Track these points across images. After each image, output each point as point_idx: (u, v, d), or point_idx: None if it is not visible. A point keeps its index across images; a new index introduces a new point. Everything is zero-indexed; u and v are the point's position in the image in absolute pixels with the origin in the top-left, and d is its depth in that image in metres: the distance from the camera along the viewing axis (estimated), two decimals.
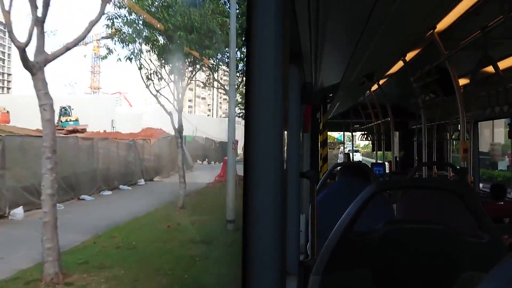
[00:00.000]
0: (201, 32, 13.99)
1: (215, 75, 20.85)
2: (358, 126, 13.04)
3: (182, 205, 13.54)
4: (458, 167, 5.19)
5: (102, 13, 8.94)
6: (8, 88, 76.37)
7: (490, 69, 4.48)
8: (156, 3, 14.07)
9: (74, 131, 31.51)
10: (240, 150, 41.63)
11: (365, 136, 13.86)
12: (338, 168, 3.76)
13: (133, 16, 13.76)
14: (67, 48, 8.21)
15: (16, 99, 42.37)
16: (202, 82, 22.43)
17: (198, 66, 16.06)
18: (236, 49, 18.06)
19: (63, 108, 35.88)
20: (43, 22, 7.14)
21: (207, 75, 20.71)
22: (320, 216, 2.42)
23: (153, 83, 14.26)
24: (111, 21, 13.43)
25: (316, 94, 4.27)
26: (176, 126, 14.15)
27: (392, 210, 2.81)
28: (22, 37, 7.54)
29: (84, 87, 75.20)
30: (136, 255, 8.97)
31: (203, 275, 8.34)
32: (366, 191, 1.63)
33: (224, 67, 19.27)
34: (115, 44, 13.88)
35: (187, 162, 22.62)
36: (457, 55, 4.53)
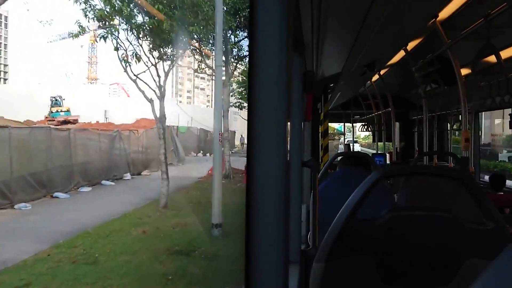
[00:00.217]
0: (184, 7, 12.58)
1: (208, 61, 19.71)
2: (358, 117, 13.03)
3: (164, 205, 11.96)
4: (459, 157, 5.19)
5: None
6: (5, 79, 76.16)
7: (492, 58, 4.46)
8: None
9: (66, 122, 30.79)
10: (237, 142, 40.79)
11: (366, 127, 13.85)
12: (339, 158, 3.76)
13: None
14: None
15: (10, 91, 42.18)
16: (193, 69, 21.20)
17: (183, 47, 14.61)
18: (230, 32, 17.07)
19: (54, 98, 35.27)
20: None
21: (199, 61, 19.39)
22: (321, 205, 2.42)
23: (130, 66, 12.39)
24: None
25: (317, 83, 4.25)
26: (158, 115, 12.44)
27: (393, 199, 2.81)
28: None
29: (82, 77, 74.85)
30: (93, 273, 7.25)
31: None
32: (370, 178, 1.63)
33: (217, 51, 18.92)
34: (88, 22, 12.46)
35: (178, 155, 22.16)
36: (459, 44, 4.50)
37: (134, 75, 12.30)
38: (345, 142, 16.66)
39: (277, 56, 0.71)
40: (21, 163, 12.69)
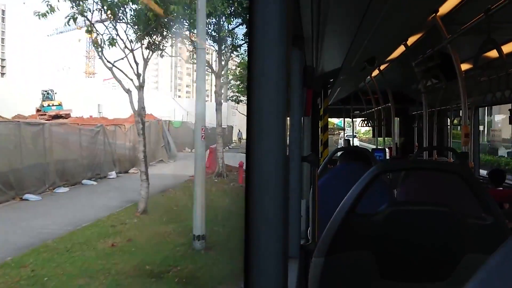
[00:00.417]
0: None
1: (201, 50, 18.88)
2: (358, 112, 13.01)
3: (143, 210, 10.50)
4: (459, 152, 5.20)
5: None
6: (3, 74, 75.87)
7: (492, 53, 4.45)
8: None
9: (57, 116, 29.49)
10: (235, 137, 40.07)
11: (366, 122, 13.84)
12: (339, 153, 3.76)
13: None
14: None
15: (7, 85, 41.73)
16: (184, 60, 21.05)
17: (169, 32, 12.83)
18: (224, 18, 15.51)
19: (46, 92, 34.05)
20: None
21: (190, 51, 17.64)
22: (321, 200, 2.42)
23: (102, 51, 10.85)
24: None
25: (317, 78, 4.25)
26: (136, 108, 10.80)
27: (393, 194, 2.81)
28: None
29: (79, 72, 74.26)
30: None
31: None
32: (370, 172, 1.63)
33: (210, 41, 16.96)
34: (58, 1, 10.94)
35: (170, 151, 20.95)
36: (459, 39, 4.49)
37: (109, 61, 10.76)
38: (345, 137, 16.66)
39: (277, 51, 0.71)
40: None
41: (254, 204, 0.71)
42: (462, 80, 4.85)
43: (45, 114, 30.12)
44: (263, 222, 0.70)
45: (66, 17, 10.90)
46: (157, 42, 12.23)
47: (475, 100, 6.65)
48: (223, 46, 16.70)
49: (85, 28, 11.04)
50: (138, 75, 10.81)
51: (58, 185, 13.40)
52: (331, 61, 4.14)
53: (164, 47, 13.77)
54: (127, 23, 11.19)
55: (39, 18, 11.29)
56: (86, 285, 6.54)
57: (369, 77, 8.45)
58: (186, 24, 14.80)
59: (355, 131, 32.03)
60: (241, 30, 17.32)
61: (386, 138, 11.59)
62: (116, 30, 11.15)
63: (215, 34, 16.19)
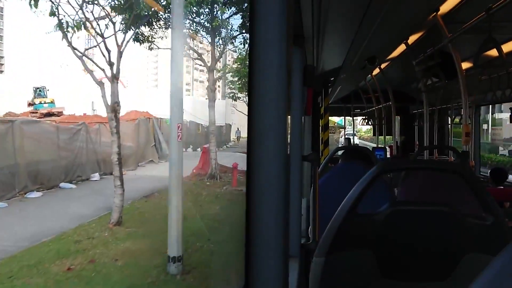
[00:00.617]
0: None
1: (191, 42, 16.98)
2: (359, 110, 13.00)
3: (117, 221, 8.93)
4: (459, 151, 5.19)
5: None
6: (1, 71, 75.65)
7: (493, 52, 4.44)
8: None
9: (50, 114, 28.22)
10: (233, 136, 38.89)
11: (366, 120, 13.84)
12: (339, 152, 3.76)
13: None
14: None
15: (4, 82, 41.21)
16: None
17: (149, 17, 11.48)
18: (217, 7, 14.36)
19: (38, 88, 32.61)
20: None
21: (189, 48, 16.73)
22: (321, 199, 2.42)
23: (67, 36, 9.42)
24: None
25: (317, 77, 4.25)
26: (109, 102, 9.32)
27: (393, 194, 2.81)
28: None
29: (78, 69, 73.76)
30: None
31: None
32: (371, 172, 1.63)
33: (202, 32, 15.67)
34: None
35: (161, 151, 19.54)
36: (460, 38, 4.48)
37: (77, 50, 9.53)
38: (345, 136, 16.67)
39: (277, 50, 0.70)
40: None
41: (255, 203, 0.71)
42: (462, 78, 4.85)
43: (37, 112, 28.87)
44: (263, 221, 0.70)
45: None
46: (145, 33, 11.64)
47: (476, 98, 6.65)
48: (217, 37, 15.50)
49: (49, 11, 9.55)
50: (110, 64, 9.28)
51: (31, 189, 11.85)
52: (331, 60, 4.14)
53: (153, 39, 13.17)
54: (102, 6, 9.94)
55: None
56: None
57: (369, 75, 8.45)
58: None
59: (356, 129, 32.05)
60: (236, 21, 16.34)
61: (387, 137, 11.59)
62: (91, 13, 9.66)
63: (208, 25, 15.06)
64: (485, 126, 15.07)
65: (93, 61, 9.82)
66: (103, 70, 9.51)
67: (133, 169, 16.18)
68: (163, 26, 13.56)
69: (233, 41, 16.10)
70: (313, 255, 1.64)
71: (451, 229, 1.55)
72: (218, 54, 15.76)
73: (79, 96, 36.40)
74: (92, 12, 9.90)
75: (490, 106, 13.48)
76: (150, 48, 13.66)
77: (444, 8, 4.03)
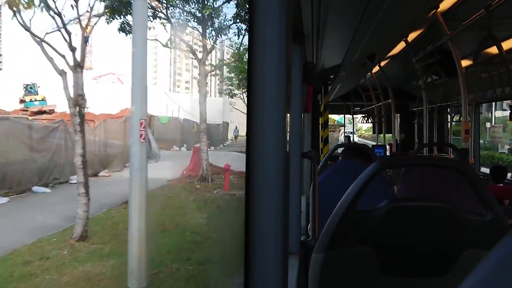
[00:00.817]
0: None
1: (180, 33, 15.33)
2: (358, 108, 13.01)
3: (80, 235, 7.38)
4: (459, 148, 5.20)
5: None
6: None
7: (493, 50, 4.44)
8: None
9: (40, 112, 26.90)
10: (230, 134, 37.52)
11: (366, 118, 13.85)
12: (339, 150, 3.76)
13: None
14: None
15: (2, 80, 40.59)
16: (162, 43, 15.93)
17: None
18: None
19: (28, 85, 31.45)
20: None
21: (169, 33, 15.10)
22: (321, 196, 2.43)
23: (16, 14, 8.05)
24: None
25: (317, 75, 4.24)
26: (72, 95, 7.75)
27: (393, 191, 2.81)
28: None
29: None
30: None
31: None
32: (370, 169, 1.63)
33: (194, 22, 14.46)
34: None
35: (151, 150, 18.02)
36: (460, 35, 4.48)
37: (38, 38, 8.17)
38: (345, 134, 16.68)
39: (277, 47, 0.70)
40: None
41: (255, 200, 0.71)
42: (462, 76, 4.85)
43: (27, 110, 27.58)
44: (263, 218, 0.70)
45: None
46: (129, 22, 10.88)
47: (476, 96, 6.65)
48: (209, 28, 14.17)
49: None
50: (72, 49, 7.79)
51: None
52: (331, 57, 4.13)
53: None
54: None
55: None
56: None
57: (369, 73, 8.44)
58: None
59: (357, 128, 32.08)
60: (231, 10, 15.47)
61: (387, 135, 11.59)
62: None
63: (199, 14, 13.90)
64: (488, 125, 15.08)
65: (51, 46, 8.15)
66: (63, 56, 7.94)
67: (119, 170, 14.85)
68: (151, 16, 12.97)
69: (227, 31, 14.75)
70: (313, 251, 1.65)
71: (450, 225, 1.55)
72: (210, 46, 14.49)
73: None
74: None
75: (494, 104, 13.50)
76: (96, 21, 12.80)
77: (444, 5, 4.03)
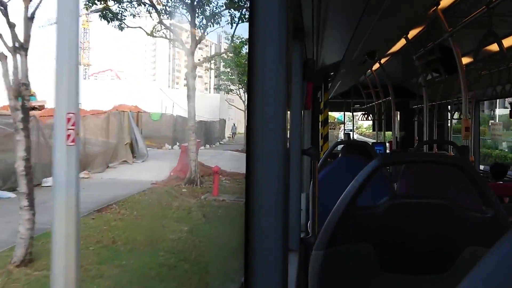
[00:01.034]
0: None
1: (165, 19, 13.71)
2: (358, 106, 13.00)
3: (22, 259, 5.76)
4: (459, 146, 5.20)
5: None
6: None
7: (493, 47, 4.44)
8: None
9: (30, 108, 27.60)
10: (228, 132, 36.25)
11: (366, 116, 13.84)
12: (339, 147, 3.76)
13: None
14: None
15: None
16: (147, 33, 14.44)
17: None
18: None
19: None
20: None
21: (156, 21, 13.74)
22: (321, 193, 2.43)
23: None
24: None
25: (317, 72, 4.24)
26: (11, 83, 6.14)
27: (393, 188, 2.81)
28: None
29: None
30: None
31: None
32: (370, 165, 1.63)
33: (182, 9, 13.26)
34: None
35: (138, 150, 17.32)
36: (460, 32, 4.47)
37: None
38: (344, 131, 16.68)
39: (277, 44, 0.70)
40: None
41: (255, 198, 0.71)
42: (462, 73, 4.84)
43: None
44: (263, 215, 0.70)
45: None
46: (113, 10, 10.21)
47: (476, 93, 6.64)
48: (199, 16, 13.10)
49: None
50: (11, 26, 6.20)
51: None
52: (331, 54, 4.13)
53: (123, 17, 11.88)
54: None
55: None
56: None
57: (369, 70, 8.44)
58: None
59: (357, 125, 32.10)
60: None
61: (387, 132, 11.59)
62: None
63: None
64: (492, 123, 15.04)
65: None
66: None
67: (100, 171, 13.69)
68: (135, 1, 12.44)
69: (219, 20, 13.34)
70: (313, 248, 1.65)
71: (451, 223, 1.55)
72: (198, 37, 13.34)
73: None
74: None
75: (498, 101, 13.49)
76: (121, 28, 12.41)
77: (444, 2, 4.02)
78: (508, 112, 6.69)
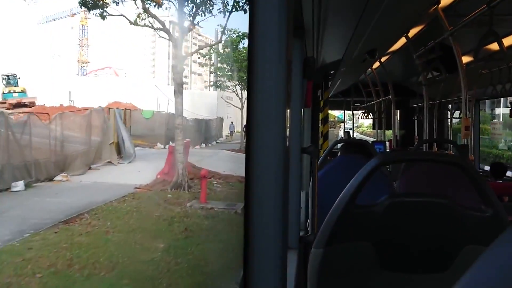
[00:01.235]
0: None
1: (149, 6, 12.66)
2: (358, 104, 13.00)
3: None
4: (459, 144, 5.20)
5: None
6: None
7: (493, 46, 4.43)
8: None
9: (20, 104, 25.01)
10: (225, 132, 35.44)
11: (366, 114, 13.85)
12: (339, 145, 3.76)
13: None
14: None
15: None
16: (131, 21, 13.05)
17: None
18: None
19: (7, 76, 29.59)
20: None
21: (141, 9, 12.59)
22: (320, 191, 2.43)
23: None
24: None
25: (317, 70, 4.24)
26: None
27: (392, 187, 2.81)
28: None
29: (72, 61, 72.16)
30: None
31: None
32: (370, 164, 1.63)
33: None
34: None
35: (124, 150, 16.33)
36: (460, 31, 4.47)
37: None
38: (344, 130, 16.69)
39: (277, 42, 0.70)
40: None
41: (254, 195, 0.71)
42: (463, 72, 4.84)
43: (5, 102, 25.90)
44: (263, 213, 0.70)
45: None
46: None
47: (476, 92, 6.64)
48: (190, 4, 12.30)
49: None
50: None
51: None
52: (331, 52, 4.12)
53: (105, 6, 11.47)
54: None
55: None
56: None
57: (370, 69, 8.43)
58: None
59: (358, 124, 32.09)
60: None
61: (387, 131, 11.59)
62: None
63: None
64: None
65: None
66: None
67: (80, 173, 12.62)
68: None
69: (211, 8, 12.45)
70: (312, 246, 1.65)
71: (450, 221, 1.55)
72: (187, 27, 12.39)
73: (55, 86, 33.51)
74: None
75: (501, 100, 13.49)
76: (103, 17, 11.96)
77: (445, 1, 4.02)
78: (508, 112, 6.70)
